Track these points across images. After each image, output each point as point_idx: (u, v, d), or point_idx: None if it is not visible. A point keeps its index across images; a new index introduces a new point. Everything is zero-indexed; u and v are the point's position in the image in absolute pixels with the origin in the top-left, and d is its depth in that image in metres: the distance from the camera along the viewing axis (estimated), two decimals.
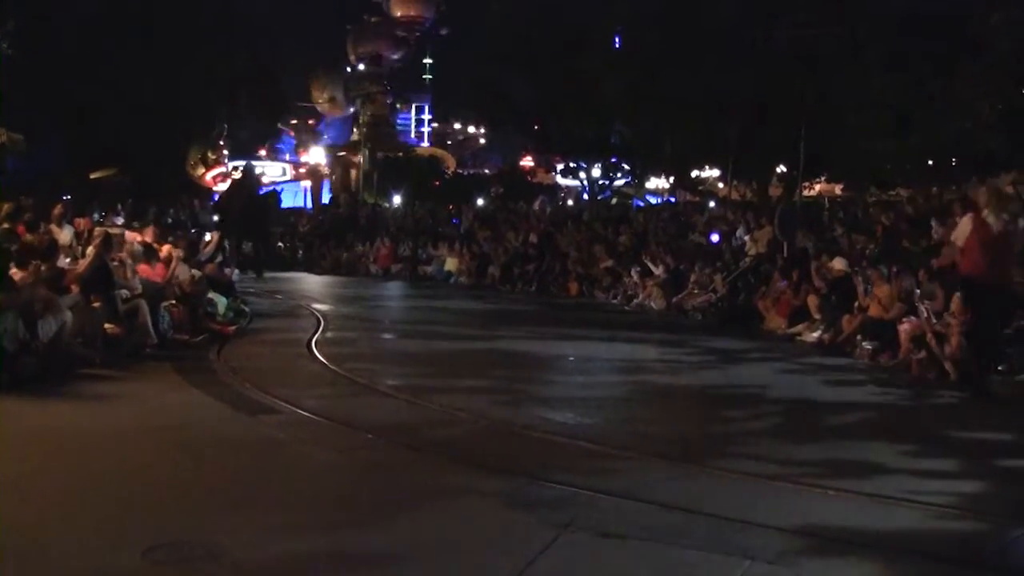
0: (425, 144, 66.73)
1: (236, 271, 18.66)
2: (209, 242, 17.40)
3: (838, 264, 13.69)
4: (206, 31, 32.32)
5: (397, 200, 41.78)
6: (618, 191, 40.00)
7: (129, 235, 12.67)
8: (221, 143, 43.35)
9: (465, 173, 58.55)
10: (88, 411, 7.54)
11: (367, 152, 47.51)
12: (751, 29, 22.36)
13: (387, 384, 9.18)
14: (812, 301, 13.53)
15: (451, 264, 22.94)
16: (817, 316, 13.33)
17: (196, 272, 12.54)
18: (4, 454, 6.03)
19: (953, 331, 10.10)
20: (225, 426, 7.26)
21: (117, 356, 9.54)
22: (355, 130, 52.13)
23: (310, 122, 53.95)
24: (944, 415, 8.89)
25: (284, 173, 51.39)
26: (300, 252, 27.27)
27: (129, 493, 5.44)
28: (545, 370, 10.72)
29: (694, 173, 36.52)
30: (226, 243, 19.30)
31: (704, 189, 37.37)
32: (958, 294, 10.26)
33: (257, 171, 31.09)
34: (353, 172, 49.93)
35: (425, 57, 70.38)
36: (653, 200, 43.09)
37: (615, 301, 18.30)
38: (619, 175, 38.67)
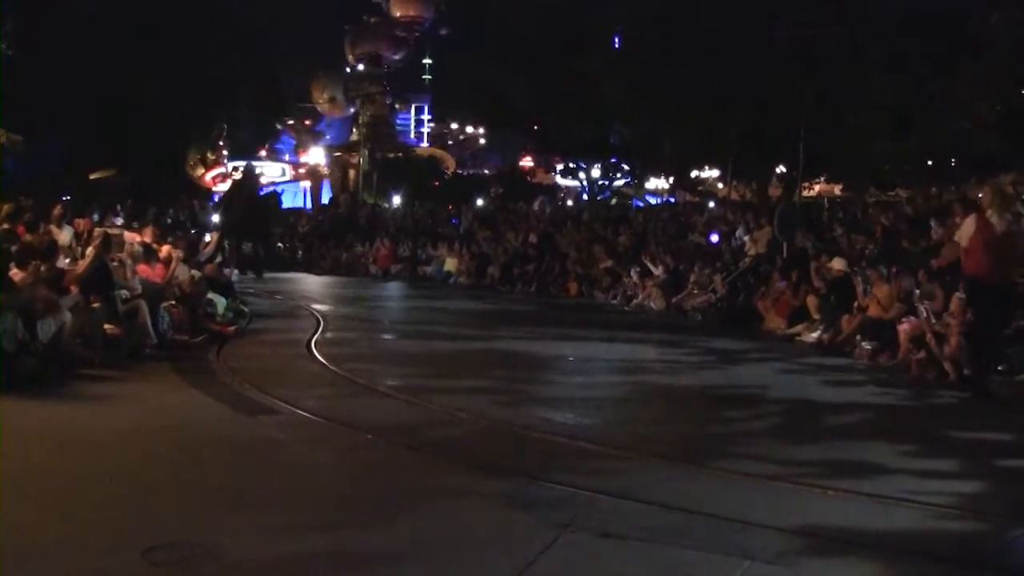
0: (424, 144, 66.71)
1: (236, 271, 18.67)
2: (209, 243, 17.42)
3: (837, 264, 13.69)
4: (206, 31, 32.32)
5: (397, 200, 41.76)
6: (618, 191, 40.06)
7: (128, 235, 12.68)
8: (220, 143, 43.31)
9: (465, 173, 58.51)
10: (87, 411, 7.54)
11: (367, 152, 47.51)
12: (751, 29, 22.36)
13: (387, 384, 9.17)
14: (811, 301, 13.54)
15: (451, 264, 22.93)
16: (816, 316, 13.34)
17: (196, 272, 12.54)
18: (3, 454, 6.02)
19: (952, 331, 10.10)
20: (225, 426, 7.26)
21: (116, 356, 9.54)
22: (354, 130, 52.12)
23: (307, 122, 53.88)
24: (943, 415, 8.89)
25: (283, 173, 51.34)
26: (300, 252, 27.25)
27: (129, 493, 5.44)
28: (545, 370, 10.72)
29: (694, 173, 36.59)
30: (226, 243, 19.32)
31: (704, 189, 37.43)
32: (957, 294, 10.27)
33: (257, 171, 31.05)
34: (351, 172, 49.93)
35: (425, 57, 70.34)
36: (653, 200, 43.14)
37: (615, 301, 18.30)
38: (619, 175, 38.73)
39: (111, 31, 29.50)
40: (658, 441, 7.21)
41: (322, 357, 10.50)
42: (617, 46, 31.93)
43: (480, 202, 37.83)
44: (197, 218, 25.81)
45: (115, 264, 10.62)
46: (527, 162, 56.79)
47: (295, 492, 5.65)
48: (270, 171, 46.82)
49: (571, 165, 40.29)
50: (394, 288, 21.94)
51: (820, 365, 11.33)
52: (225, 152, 44.20)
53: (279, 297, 17.48)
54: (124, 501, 5.29)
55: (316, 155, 52.84)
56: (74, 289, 9.62)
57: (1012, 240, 9.39)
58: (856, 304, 12.50)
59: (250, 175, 25.27)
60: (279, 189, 40.73)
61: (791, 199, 22.00)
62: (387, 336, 13.96)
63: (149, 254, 11.77)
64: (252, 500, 5.44)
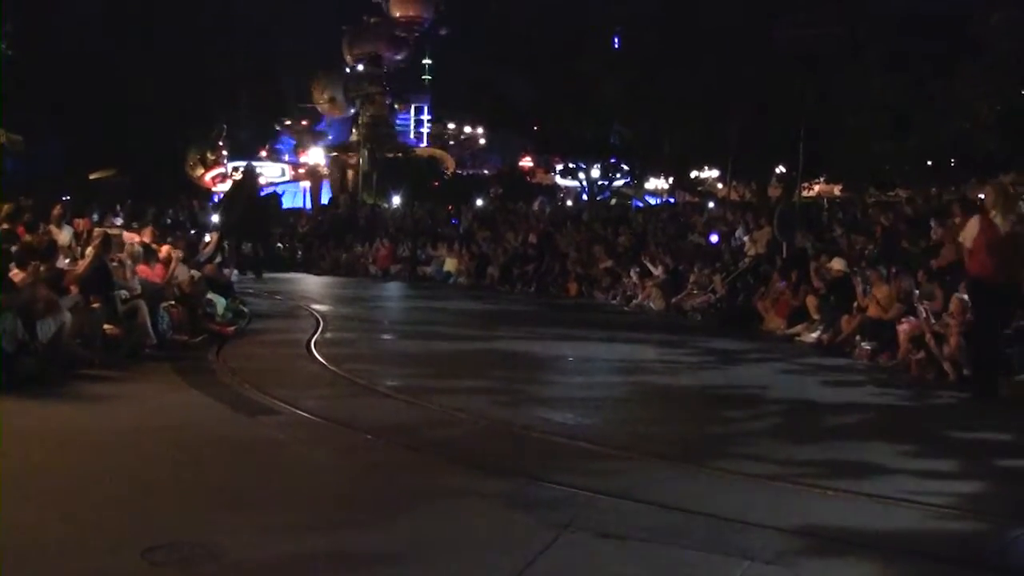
0: (424, 145, 66.69)
1: (235, 272, 18.67)
2: (209, 243, 17.42)
3: (837, 265, 13.69)
4: (205, 32, 32.34)
5: (396, 201, 41.75)
6: (617, 192, 40.04)
7: (127, 236, 12.68)
8: (220, 144, 43.33)
9: (464, 174, 58.51)
10: (87, 412, 7.54)
11: (366, 153, 47.51)
12: (751, 29, 22.37)
13: (386, 385, 9.17)
14: (811, 302, 13.54)
15: (450, 265, 22.93)
16: (816, 317, 13.34)
17: (195, 273, 12.54)
18: (3, 454, 6.02)
19: (952, 331, 10.10)
20: (224, 427, 7.26)
21: (116, 357, 9.54)
22: (354, 131, 52.13)
23: (303, 123, 53.89)
24: (943, 415, 8.89)
25: (283, 174, 51.34)
26: (299, 253, 27.26)
27: (128, 493, 5.44)
28: (544, 371, 10.72)
29: (693, 174, 36.57)
30: (225, 244, 19.32)
31: (703, 190, 37.40)
32: (957, 294, 10.27)
33: (257, 172, 31.05)
34: (349, 173, 49.92)
35: (424, 57, 70.32)
36: (652, 200, 43.11)
37: (614, 302, 18.30)
38: (618, 176, 38.72)
39: (111, 31, 29.52)
40: (658, 441, 7.21)
41: (322, 357, 10.50)
42: (617, 46, 31.91)
43: (480, 202, 37.81)
44: (197, 218, 25.81)
45: (115, 264, 10.63)
46: (527, 162, 56.76)
47: (295, 492, 5.65)
48: (269, 171, 46.80)
49: (571, 165, 40.27)
50: (393, 288, 21.94)
51: (820, 365, 11.33)
52: (225, 152, 44.21)
53: (279, 297, 17.49)
54: (124, 501, 5.29)
55: (316, 155, 52.83)
56: (74, 289, 9.62)
57: (1016, 241, 9.38)
58: (856, 304, 12.51)
59: (251, 175, 25.27)
60: (280, 191, 40.68)
61: (791, 199, 22.02)
62: (387, 336, 13.96)
63: (148, 254, 11.77)
64: (252, 500, 5.44)
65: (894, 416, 8.75)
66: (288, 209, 36.56)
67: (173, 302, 11.30)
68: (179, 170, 38.09)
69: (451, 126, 73.07)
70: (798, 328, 13.56)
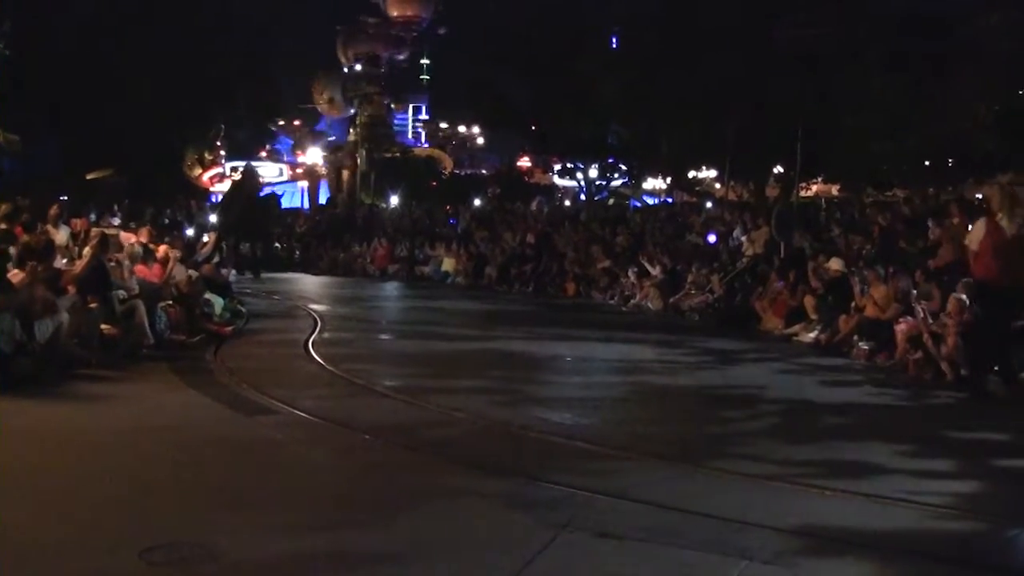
0: (422, 145, 66.68)
1: (233, 271, 18.66)
2: (207, 243, 17.42)
3: (835, 264, 13.70)
4: (204, 32, 32.29)
5: (394, 200, 41.74)
6: (615, 192, 39.97)
7: (125, 236, 12.67)
8: (218, 144, 43.32)
9: (462, 173, 58.53)
10: (85, 412, 7.54)
11: (364, 153, 47.50)
12: (750, 29, 22.38)
13: (384, 385, 9.17)
14: (809, 301, 13.55)
15: (448, 264, 22.94)
16: (814, 316, 13.35)
17: (193, 272, 12.55)
18: (1, 454, 6.02)
19: (949, 331, 10.10)
20: (222, 427, 7.25)
21: (114, 357, 9.54)
22: (352, 131, 52.13)
23: (295, 123, 53.89)
24: (941, 415, 8.90)
25: (281, 174, 51.34)
26: (297, 253, 27.26)
27: (127, 493, 5.43)
28: (542, 371, 10.72)
29: (691, 174, 36.60)
30: (223, 244, 19.31)
31: (701, 190, 37.41)
32: (954, 294, 10.27)
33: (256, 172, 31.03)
34: (345, 173, 49.91)
35: (423, 57, 70.28)
36: (650, 201, 43.13)
37: (612, 301, 18.31)
38: (616, 176, 38.65)
39: (109, 31, 29.45)
40: (656, 441, 7.21)
41: (320, 357, 10.50)
42: (615, 46, 31.93)
43: (478, 202, 37.82)
44: (194, 218, 25.79)
45: (112, 264, 10.63)
46: (525, 162, 56.73)
47: (294, 492, 5.65)
48: (267, 171, 46.80)
49: (569, 165, 40.18)
50: (391, 288, 21.94)
51: (817, 365, 11.34)
52: (223, 152, 44.20)
53: (276, 297, 17.49)
54: (122, 501, 5.29)
55: (313, 155, 52.84)
56: (71, 289, 9.62)
57: (1022, 244, 9.38)
58: (853, 304, 12.51)
59: (251, 176, 25.26)
60: (279, 192, 40.66)
61: (789, 199, 22.00)
62: (385, 336, 13.96)
63: (146, 254, 11.77)
64: (251, 500, 5.44)
65: (892, 416, 8.76)
66: (286, 209, 36.57)
67: (171, 302, 11.30)
68: (177, 170, 38.03)
69: (442, 124, 72.96)
70: (796, 328, 13.56)
